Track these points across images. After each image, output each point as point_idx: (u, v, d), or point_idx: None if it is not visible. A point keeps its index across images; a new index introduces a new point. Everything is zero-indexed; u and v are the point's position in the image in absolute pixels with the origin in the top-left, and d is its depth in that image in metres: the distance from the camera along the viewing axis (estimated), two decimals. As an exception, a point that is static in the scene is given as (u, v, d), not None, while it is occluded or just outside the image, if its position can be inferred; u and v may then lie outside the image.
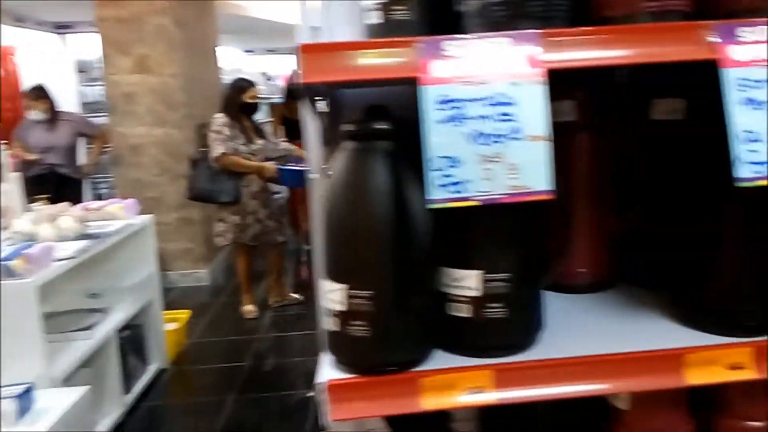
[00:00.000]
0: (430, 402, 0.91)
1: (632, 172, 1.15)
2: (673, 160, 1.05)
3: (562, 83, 1.14)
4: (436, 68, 0.83)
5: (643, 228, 1.14)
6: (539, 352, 0.96)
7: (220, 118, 4.00)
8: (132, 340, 3.31)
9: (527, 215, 0.92)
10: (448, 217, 0.91)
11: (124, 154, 4.84)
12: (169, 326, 3.70)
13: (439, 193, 0.83)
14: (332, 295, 0.90)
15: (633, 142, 1.14)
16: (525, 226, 0.93)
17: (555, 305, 1.14)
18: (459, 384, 0.92)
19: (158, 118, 4.76)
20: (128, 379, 3.23)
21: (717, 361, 0.94)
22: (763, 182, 0.84)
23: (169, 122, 4.77)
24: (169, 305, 4.31)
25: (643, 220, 1.14)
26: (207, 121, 4.19)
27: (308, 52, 0.83)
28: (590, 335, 1.01)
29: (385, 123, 0.90)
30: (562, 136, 1.15)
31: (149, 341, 3.52)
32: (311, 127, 1.21)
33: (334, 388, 0.90)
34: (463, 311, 0.93)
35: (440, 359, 0.95)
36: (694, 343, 0.95)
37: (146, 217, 3.46)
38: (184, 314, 3.87)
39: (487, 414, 1.18)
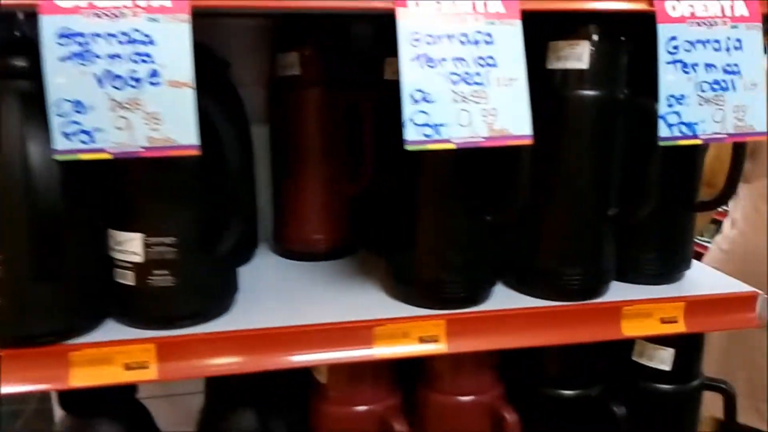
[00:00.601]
0: (81, 378, 0.81)
1: (366, 132, 1.08)
2: (396, 121, 0.99)
3: (291, 34, 1.06)
4: (61, -4, 0.71)
5: (376, 192, 1.07)
6: (221, 323, 0.88)
7: None
8: None
9: (195, 171, 0.82)
10: (109, 171, 0.81)
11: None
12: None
13: (64, 143, 0.72)
14: (-38, 259, 0.78)
15: (368, 101, 1.06)
16: (192, 184, 0.83)
17: (279, 274, 1.08)
18: (117, 359, 0.83)
19: None
20: None
21: (409, 334, 0.89)
22: (433, 146, 0.78)
23: None
24: None
25: (375, 184, 1.07)
26: None
27: None
28: (290, 305, 0.94)
29: (21, 59, 0.77)
30: (287, 90, 1.07)
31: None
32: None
33: (-38, 362, 0.79)
34: (128, 278, 0.84)
35: (108, 331, 0.86)
36: (393, 315, 0.90)
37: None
38: None
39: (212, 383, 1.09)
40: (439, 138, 0.78)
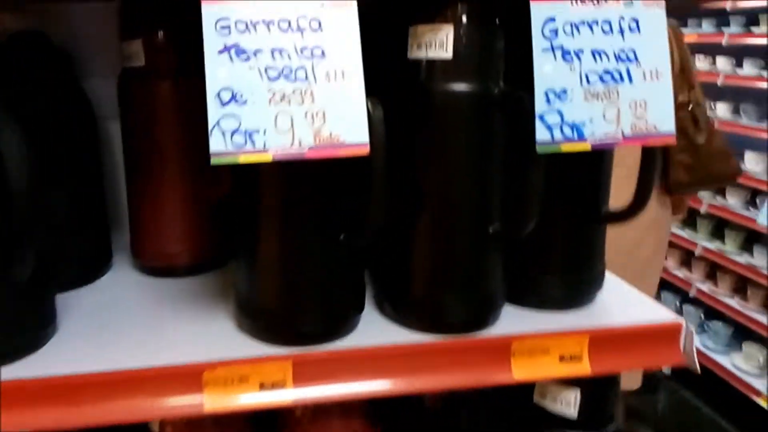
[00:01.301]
0: None
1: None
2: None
3: (134, 19, 0.92)
4: None
5: (233, 200, 0.92)
6: (19, 367, 0.73)
7: None
8: None
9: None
10: None
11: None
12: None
13: None
14: None
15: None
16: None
17: (124, 295, 0.93)
18: None
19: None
20: None
21: (247, 378, 0.75)
22: (245, 158, 0.64)
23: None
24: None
25: (233, 191, 0.92)
26: None
27: None
28: (117, 339, 0.80)
29: None
30: (133, 83, 0.93)
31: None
32: None
33: None
34: None
35: None
36: (229, 356, 0.75)
37: None
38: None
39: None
40: (253, 148, 0.64)
